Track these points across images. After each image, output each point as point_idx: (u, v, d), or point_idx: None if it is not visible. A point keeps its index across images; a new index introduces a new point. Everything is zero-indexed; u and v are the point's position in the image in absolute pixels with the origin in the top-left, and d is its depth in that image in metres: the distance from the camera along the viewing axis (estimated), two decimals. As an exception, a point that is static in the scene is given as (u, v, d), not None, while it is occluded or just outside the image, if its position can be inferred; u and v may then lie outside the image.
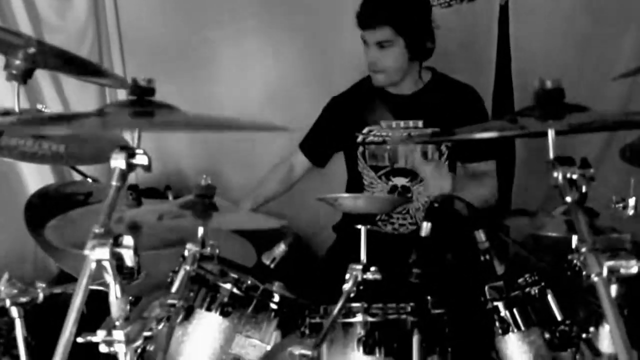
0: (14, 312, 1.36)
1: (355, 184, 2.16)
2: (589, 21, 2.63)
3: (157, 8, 2.78)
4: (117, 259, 1.01)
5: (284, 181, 2.24)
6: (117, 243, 1.01)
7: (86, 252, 1.02)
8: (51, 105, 2.40)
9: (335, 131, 2.14)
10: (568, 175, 0.94)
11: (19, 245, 2.50)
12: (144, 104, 1.14)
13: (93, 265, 1.02)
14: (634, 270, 0.87)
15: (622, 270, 0.86)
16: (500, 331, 1.30)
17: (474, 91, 2.13)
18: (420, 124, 2.06)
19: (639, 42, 2.63)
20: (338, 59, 2.68)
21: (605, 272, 0.85)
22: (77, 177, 2.39)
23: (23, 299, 1.36)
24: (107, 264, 1.01)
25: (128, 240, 1.00)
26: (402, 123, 2.08)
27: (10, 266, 2.44)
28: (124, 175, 1.08)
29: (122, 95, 2.73)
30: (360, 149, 2.11)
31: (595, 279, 0.86)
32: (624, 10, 2.61)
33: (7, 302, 1.33)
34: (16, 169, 2.51)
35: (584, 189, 0.93)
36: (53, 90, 2.57)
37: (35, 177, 2.50)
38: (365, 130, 2.10)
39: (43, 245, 1.79)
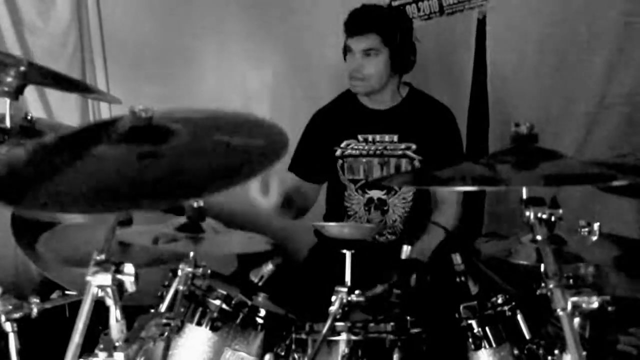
0: (8, 327, 1.40)
1: (336, 195, 2.20)
2: (564, 37, 2.72)
3: (140, 12, 2.79)
4: (118, 285, 1.07)
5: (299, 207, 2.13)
6: (118, 270, 1.07)
7: (88, 278, 1.08)
8: (35, 113, 2.41)
9: (318, 145, 2.18)
10: (539, 215, 1.03)
11: (0, 250, 2.51)
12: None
13: (95, 290, 1.08)
14: (595, 305, 0.97)
15: (584, 305, 0.96)
16: (473, 347, 1.40)
17: (448, 111, 2.19)
18: (395, 138, 2.12)
19: (609, 59, 2.73)
20: (321, 66, 2.73)
21: (569, 307, 0.95)
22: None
23: (17, 315, 1.39)
24: (108, 290, 1.07)
25: (129, 268, 1.06)
26: (378, 137, 2.13)
27: (-10, 270, 2.48)
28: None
29: (104, 106, 2.75)
30: (339, 162, 2.16)
31: (561, 313, 0.96)
32: (598, 26, 2.71)
33: (2, 318, 1.37)
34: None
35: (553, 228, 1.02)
36: (37, 99, 2.58)
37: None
38: (343, 144, 2.15)
39: (30, 255, 1.82)
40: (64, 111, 2.68)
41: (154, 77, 2.82)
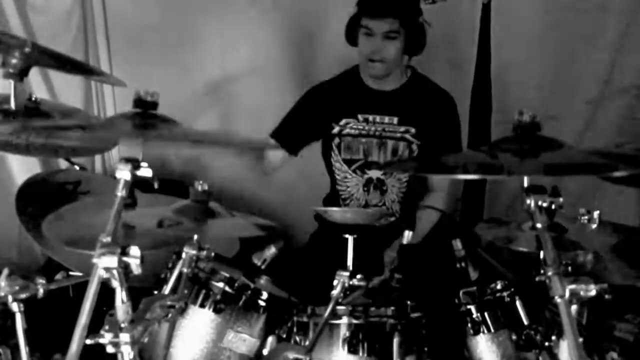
0: (15, 307, 1.42)
1: (331, 178, 2.21)
2: (568, 23, 2.72)
3: (142, -9, 2.78)
4: (124, 267, 1.09)
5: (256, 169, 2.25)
6: (124, 252, 1.09)
7: (94, 260, 1.10)
8: (39, 95, 2.41)
9: (312, 120, 2.17)
10: (539, 203, 1.04)
11: (4, 230, 2.54)
12: (147, 117, 1.19)
13: (101, 272, 1.10)
14: (593, 293, 0.98)
15: (582, 293, 0.98)
16: (471, 332, 1.43)
17: (449, 97, 2.19)
18: (395, 120, 2.12)
19: (616, 36, 2.71)
20: (322, 45, 2.73)
21: (567, 294, 0.97)
22: (63, 164, 2.42)
23: (24, 295, 1.41)
24: (114, 272, 1.09)
25: (135, 250, 1.08)
26: (377, 117, 2.13)
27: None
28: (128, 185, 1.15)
29: (107, 87, 2.75)
30: (336, 140, 2.15)
31: (559, 300, 0.98)
32: (604, 9, 2.69)
33: (9, 299, 1.39)
34: (1, 157, 2.53)
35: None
36: (41, 80, 2.58)
37: (22, 164, 2.52)
38: (342, 122, 2.15)
39: (35, 236, 1.84)
40: (68, 92, 2.67)
41: (157, 56, 2.81)
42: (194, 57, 2.86)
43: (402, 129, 2.12)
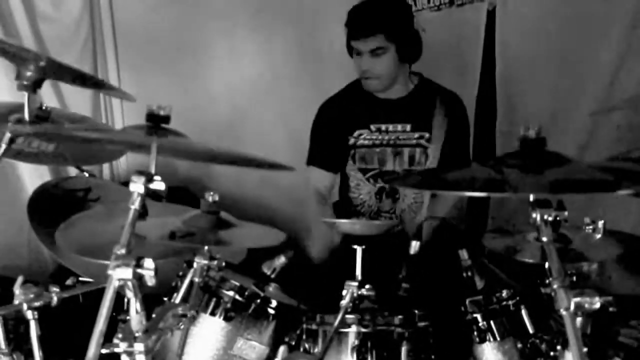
0: (29, 314, 1.45)
1: (342, 184, 2.24)
2: (573, 29, 2.74)
3: (151, 1, 2.81)
4: (139, 279, 1.11)
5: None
6: (139, 264, 1.11)
7: (109, 271, 1.12)
8: (49, 104, 2.45)
9: (333, 135, 2.20)
10: (545, 217, 1.06)
11: (13, 236, 2.57)
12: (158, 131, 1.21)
13: (116, 283, 1.13)
14: (597, 305, 1.01)
15: (587, 306, 1.00)
16: (478, 340, 1.45)
17: (458, 99, 2.21)
18: (408, 127, 2.15)
19: (619, 46, 2.74)
20: (329, 54, 2.75)
21: (572, 307, 0.99)
22: (73, 171, 2.45)
23: (38, 303, 1.44)
24: (129, 283, 1.12)
25: (149, 263, 1.11)
26: (390, 126, 2.15)
27: (5, 257, 2.54)
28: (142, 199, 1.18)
29: (115, 98, 2.79)
30: (352, 151, 2.18)
31: (564, 312, 1.00)
32: (607, 18, 2.71)
33: (24, 307, 1.42)
34: (12, 164, 2.56)
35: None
36: (51, 89, 2.61)
37: (32, 172, 2.56)
38: (355, 134, 2.18)
39: (47, 244, 1.87)
40: (77, 101, 2.71)
41: (165, 65, 2.86)
42: (201, 64, 2.90)
43: (417, 135, 2.14)
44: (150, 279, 1.12)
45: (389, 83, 2.11)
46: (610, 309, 1.01)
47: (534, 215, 1.07)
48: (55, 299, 1.47)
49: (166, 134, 1.24)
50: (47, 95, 2.58)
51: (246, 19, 2.83)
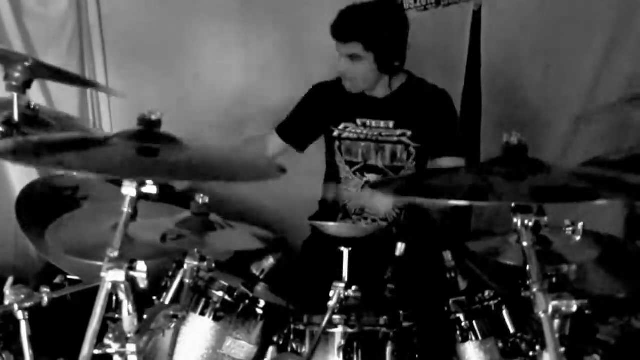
0: (20, 315, 1.46)
1: (332, 175, 2.27)
2: (557, 30, 2.79)
3: None
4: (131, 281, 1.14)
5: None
6: (131, 267, 1.13)
7: (102, 274, 1.14)
8: (36, 101, 2.45)
9: (315, 117, 2.24)
10: (525, 222, 1.10)
11: (1, 235, 2.57)
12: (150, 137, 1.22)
13: (109, 286, 1.15)
14: (574, 308, 1.05)
15: (564, 309, 1.05)
16: (460, 339, 1.50)
17: (446, 94, 2.24)
18: (391, 124, 2.18)
19: (600, 51, 2.79)
20: (315, 53, 2.76)
21: (550, 310, 1.04)
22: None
23: (29, 304, 1.45)
24: (122, 285, 1.14)
25: (141, 265, 1.13)
26: (374, 122, 2.19)
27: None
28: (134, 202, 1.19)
29: (102, 94, 2.79)
30: (337, 143, 2.22)
31: (542, 315, 1.04)
32: (591, 22, 2.77)
33: (15, 307, 1.43)
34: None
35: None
36: (38, 88, 2.60)
37: (20, 171, 2.55)
38: (341, 126, 2.21)
39: (35, 243, 1.88)
40: (64, 99, 2.71)
41: (152, 61, 2.85)
42: (189, 60, 2.89)
43: (399, 132, 2.17)
44: (142, 281, 1.14)
45: (366, 87, 2.15)
46: (587, 311, 1.05)
47: (514, 220, 1.11)
48: (45, 299, 1.48)
49: (156, 151, 1.22)
50: (34, 93, 2.56)
51: (234, 17, 2.83)
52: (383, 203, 1.97)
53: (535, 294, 1.05)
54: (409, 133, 2.17)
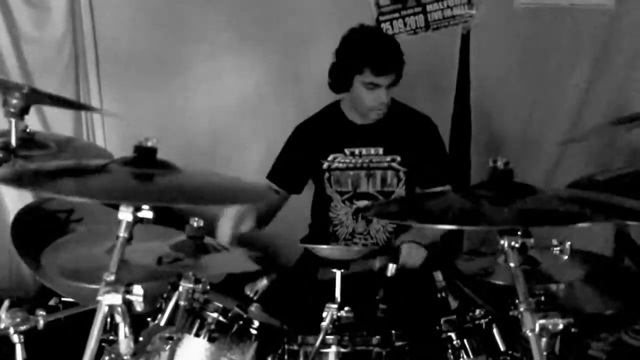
0: (15, 338, 1.47)
1: (322, 206, 2.30)
2: (544, 53, 2.87)
3: (133, 22, 2.86)
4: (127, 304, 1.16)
5: (262, 216, 2.15)
6: (128, 291, 1.16)
7: (99, 297, 1.17)
8: (32, 125, 2.47)
9: (303, 157, 2.26)
10: (512, 244, 1.14)
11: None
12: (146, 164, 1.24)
13: (105, 309, 1.17)
14: (560, 327, 1.08)
15: (551, 327, 1.08)
16: (452, 357, 1.52)
17: (429, 121, 2.30)
18: (380, 151, 2.23)
19: (587, 74, 2.88)
20: (309, 75, 2.83)
21: (537, 329, 1.07)
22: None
23: (24, 327, 1.46)
24: (118, 309, 1.16)
25: (138, 289, 1.15)
26: (364, 150, 2.23)
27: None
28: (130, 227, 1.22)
29: (97, 117, 2.82)
30: (326, 174, 2.25)
31: (529, 334, 1.07)
32: (577, 44, 2.86)
33: (11, 330, 1.44)
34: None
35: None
36: (34, 111, 2.62)
37: (13, 192, 2.57)
38: (330, 158, 2.24)
39: (31, 266, 1.89)
40: (59, 121, 2.74)
41: (147, 85, 2.89)
42: (183, 84, 2.94)
43: (388, 158, 2.22)
44: (139, 305, 1.16)
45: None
46: (573, 329, 1.08)
47: (501, 242, 1.14)
48: (41, 323, 1.49)
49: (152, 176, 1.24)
50: (29, 114, 2.60)
51: (229, 39, 2.88)
52: (417, 256, 1.95)
53: (523, 313, 1.08)
54: (398, 158, 2.22)
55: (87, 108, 2.13)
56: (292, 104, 2.87)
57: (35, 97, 1.70)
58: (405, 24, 2.91)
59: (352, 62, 2.10)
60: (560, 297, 1.46)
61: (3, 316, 1.46)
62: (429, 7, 2.88)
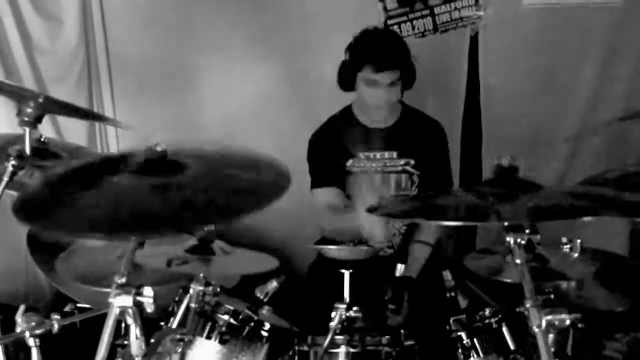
0: (31, 342, 1.50)
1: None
2: (553, 52, 2.84)
3: (144, 32, 2.89)
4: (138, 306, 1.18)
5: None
6: (138, 292, 1.18)
7: (110, 299, 1.19)
8: (45, 133, 2.51)
9: (329, 160, 2.24)
10: (518, 240, 1.14)
11: (12, 266, 2.62)
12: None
13: (117, 311, 1.19)
14: (567, 322, 1.08)
15: (557, 323, 1.08)
16: (462, 357, 1.52)
17: (439, 125, 2.30)
18: (394, 154, 2.23)
19: (596, 72, 2.85)
20: (319, 82, 2.82)
21: (544, 325, 1.07)
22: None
23: (40, 331, 1.49)
24: (129, 310, 1.18)
25: (148, 291, 1.17)
26: (378, 154, 2.23)
27: (3, 284, 2.58)
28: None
29: (110, 127, 2.86)
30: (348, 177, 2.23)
31: (536, 330, 1.07)
32: (587, 41, 2.83)
33: (27, 334, 1.47)
34: (11, 192, 2.61)
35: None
36: (47, 120, 2.67)
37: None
38: (348, 163, 2.24)
39: (46, 272, 1.93)
40: (72, 131, 2.78)
41: (159, 95, 2.92)
42: (194, 94, 2.97)
43: (402, 161, 2.22)
44: (149, 306, 1.18)
45: (389, 116, 2.21)
46: (579, 325, 1.08)
47: (507, 238, 1.15)
48: (56, 327, 1.52)
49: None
50: (43, 124, 2.64)
51: (238, 48, 2.91)
52: (378, 227, 1.95)
53: (529, 309, 1.08)
54: (412, 162, 2.22)
55: (100, 118, 2.17)
56: (303, 111, 2.88)
57: (50, 106, 1.73)
58: (413, 27, 2.90)
59: (353, 59, 2.11)
60: (570, 295, 1.46)
61: (19, 320, 1.50)
62: (436, 10, 2.87)
